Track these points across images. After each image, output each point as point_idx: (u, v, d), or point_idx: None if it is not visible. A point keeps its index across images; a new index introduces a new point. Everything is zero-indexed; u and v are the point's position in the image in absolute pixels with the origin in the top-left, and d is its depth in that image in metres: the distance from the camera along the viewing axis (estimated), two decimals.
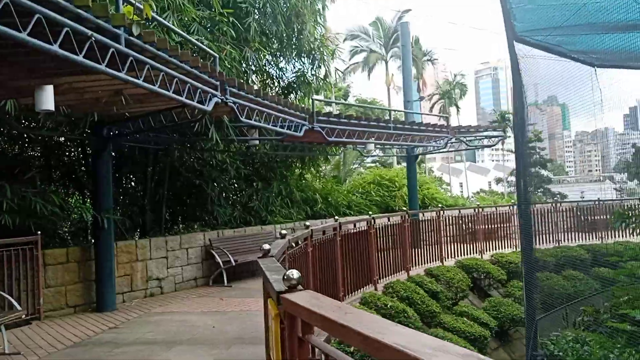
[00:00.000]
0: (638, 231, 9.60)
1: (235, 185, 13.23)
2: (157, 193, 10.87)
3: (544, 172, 41.67)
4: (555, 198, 30.04)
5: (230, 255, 10.27)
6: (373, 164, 29.50)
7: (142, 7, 4.73)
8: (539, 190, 39.58)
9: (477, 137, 13.88)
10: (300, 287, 2.23)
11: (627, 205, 12.45)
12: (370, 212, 14.20)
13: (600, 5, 7.26)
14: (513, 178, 46.12)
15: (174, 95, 5.69)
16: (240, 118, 7.64)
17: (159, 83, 5.27)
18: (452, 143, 13.71)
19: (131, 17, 4.56)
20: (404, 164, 16.62)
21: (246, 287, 10.10)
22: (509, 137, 14.27)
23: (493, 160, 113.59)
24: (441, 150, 14.52)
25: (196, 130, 9.49)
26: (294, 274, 2.26)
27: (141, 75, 4.96)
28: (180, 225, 11.90)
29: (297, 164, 14.41)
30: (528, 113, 8.45)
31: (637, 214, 9.68)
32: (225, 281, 10.19)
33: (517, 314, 9.98)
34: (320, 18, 12.76)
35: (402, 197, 16.05)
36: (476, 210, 12.63)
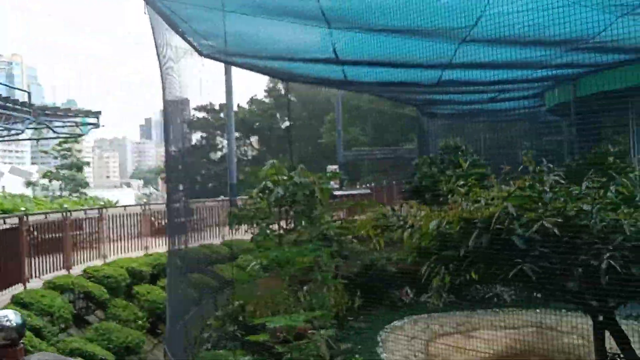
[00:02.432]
0: (252, 230, 9.49)
1: None
2: None
3: (80, 176, 39.65)
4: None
5: None
6: None
7: None
8: (75, 195, 37.37)
9: (67, 124, 11.27)
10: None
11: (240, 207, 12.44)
12: None
13: None
14: (46, 181, 42.15)
15: None
16: None
17: None
18: (30, 128, 10.66)
19: None
20: None
21: None
22: (104, 126, 12.26)
23: (6, 163, 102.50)
24: (17, 138, 11.17)
25: None
26: (11, 317, 1.40)
27: None
28: None
29: None
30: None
31: (249, 215, 9.56)
32: None
33: (131, 341, 8.29)
34: None
35: None
36: (64, 214, 10.19)
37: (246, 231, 9.59)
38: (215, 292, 10.38)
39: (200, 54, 9.39)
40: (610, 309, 3.28)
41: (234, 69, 17.82)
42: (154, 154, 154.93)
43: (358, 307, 10.73)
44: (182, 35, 8.17)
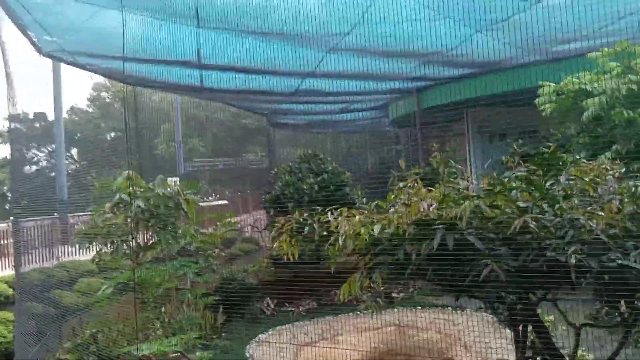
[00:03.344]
0: (106, 249, 8.46)
1: None
2: None
3: None
4: None
5: None
6: None
7: None
8: None
9: None
10: None
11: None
12: None
13: None
14: None
15: None
16: None
17: None
18: None
19: None
20: None
21: None
22: None
23: None
24: None
25: None
26: None
27: None
28: None
29: None
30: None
31: (102, 232, 8.49)
32: None
33: None
34: None
35: None
36: None
37: (100, 250, 8.53)
38: (60, 322, 9.10)
39: (40, 52, 8.19)
40: (534, 302, 3.39)
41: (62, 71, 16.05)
42: None
43: (221, 324, 10.23)
44: (23, 29, 7.01)
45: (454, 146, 14.23)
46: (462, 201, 3.12)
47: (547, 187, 2.94)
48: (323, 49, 8.30)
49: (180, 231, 8.49)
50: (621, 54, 6.55)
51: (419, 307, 11.47)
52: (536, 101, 7.58)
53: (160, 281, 8.21)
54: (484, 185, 3.11)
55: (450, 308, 10.86)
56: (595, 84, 6.90)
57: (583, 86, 7.02)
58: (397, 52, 8.27)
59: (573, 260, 2.50)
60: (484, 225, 2.79)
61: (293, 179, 11.08)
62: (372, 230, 3.15)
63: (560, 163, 3.17)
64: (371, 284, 3.61)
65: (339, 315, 10.97)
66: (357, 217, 3.48)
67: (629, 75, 6.26)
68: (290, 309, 11.59)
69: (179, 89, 11.29)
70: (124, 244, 8.39)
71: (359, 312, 11.40)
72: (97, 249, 8.62)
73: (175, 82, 10.57)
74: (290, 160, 14.33)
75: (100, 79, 38.10)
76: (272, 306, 11.63)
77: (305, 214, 4.04)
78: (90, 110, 39.47)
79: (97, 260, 9.49)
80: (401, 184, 3.35)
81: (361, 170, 14.28)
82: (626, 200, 3.08)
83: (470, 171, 12.74)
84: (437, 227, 2.79)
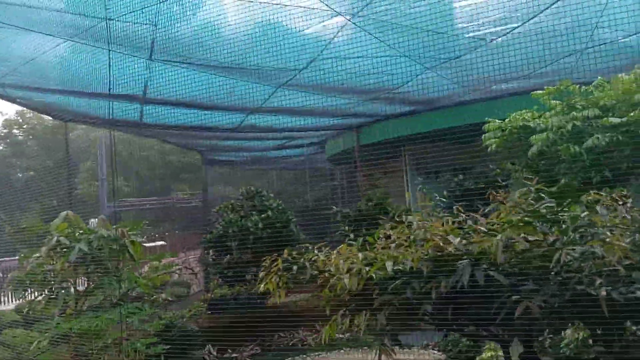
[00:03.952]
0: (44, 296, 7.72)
1: None
2: None
3: None
4: None
5: None
6: None
7: None
8: None
9: None
10: None
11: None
12: None
13: None
14: None
15: None
16: None
17: None
18: None
19: None
20: None
21: None
22: None
23: None
24: None
25: None
26: None
27: None
28: None
29: None
30: None
31: (38, 279, 7.75)
32: None
33: None
34: None
35: None
36: None
37: (33, 299, 7.78)
38: None
39: None
40: (532, 339, 3.38)
41: None
42: None
43: None
44: None
45: (390, 182, 14.45)
46: (466, 235, 3.09)
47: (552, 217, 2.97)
48: (272, 84, 8.23)
49: (123, 275, 7.94)
50: (563, 92, 6.94)
51: (366, 347, 11.31)
52: (483, 137, 7.83)
53: (99, 330, 7.59)
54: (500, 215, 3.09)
55: (397, 347, 10.79)
56: (539, 121, 7.24)
57: (527, 123, 7.35)
58: (348, 88, 8.34)
59: (604, 293, 2.51)
60: (512, 259, 2.74)
61: (236, 217, 10.76)
62: (385, 265, 3.04)
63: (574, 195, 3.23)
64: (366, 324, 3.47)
65: (286, 359, 10.63)
66: (360, 255, 3.36)
67: (573, 112, 6.63)
68: (234, 355, 11.08)
69: (117, 124, 10.73)
70: (62, 291, 7.72)
71: (304, 355, 11.13)
72: (29, 298, 7.87)
73: (112, 117, 10.06)
74: (226, 197, 13.95)
75: (10, 114, 35.89)
76: (213, 353, 11.07)
77: (294, 253, 3.87)
78: (1, 148, 36.98)
79: (26, 309, 8.66)
80: (410, 218, 3.27)
81: (298, 206, 14.17)
82: (620, 230, 3.17)
83: (409, 205, 12.96)
84: (461, 262, 2.72)
